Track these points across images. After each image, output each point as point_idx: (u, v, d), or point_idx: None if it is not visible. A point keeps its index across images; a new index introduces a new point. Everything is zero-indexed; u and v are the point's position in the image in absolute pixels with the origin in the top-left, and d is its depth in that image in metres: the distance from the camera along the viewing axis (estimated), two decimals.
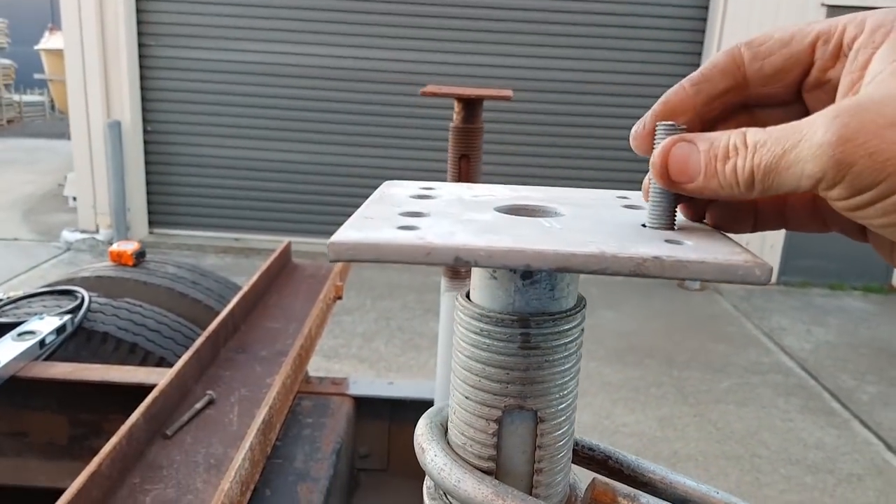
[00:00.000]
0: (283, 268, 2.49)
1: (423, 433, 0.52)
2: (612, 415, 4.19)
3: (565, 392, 0.48)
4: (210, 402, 1.59)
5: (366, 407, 1.80)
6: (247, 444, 1.28)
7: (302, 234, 6.95)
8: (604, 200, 0.54)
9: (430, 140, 7.06)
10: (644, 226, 0.45)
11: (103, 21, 6.67)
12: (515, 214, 0.47)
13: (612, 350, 5.12)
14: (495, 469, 0.49)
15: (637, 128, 0.49)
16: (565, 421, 0.49)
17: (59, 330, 1.93)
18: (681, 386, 4.64)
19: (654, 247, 0.39)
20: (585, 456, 0.57)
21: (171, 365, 1.63)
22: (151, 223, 7.30)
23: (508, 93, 1.70)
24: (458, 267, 0.34)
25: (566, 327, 0.47)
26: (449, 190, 0.55)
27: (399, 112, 7.08)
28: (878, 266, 7.09)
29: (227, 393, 1.65)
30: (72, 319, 1.99)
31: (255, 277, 2.20)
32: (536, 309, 0.46)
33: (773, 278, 6.98)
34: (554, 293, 0.46)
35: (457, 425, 0.50)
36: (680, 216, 0.49)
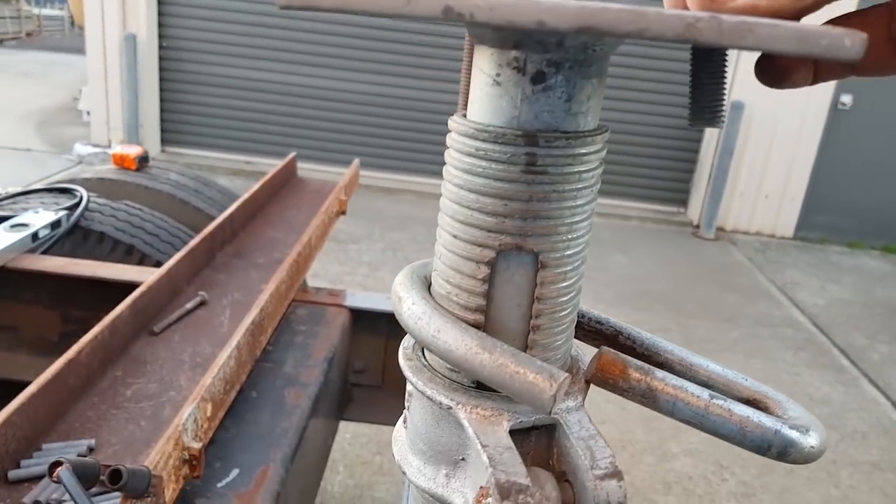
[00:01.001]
0: (287, 180, 2.40)
1: (401, 282, 0.43)
2: None
3: (575, 235, 0.40)
4: (202, 303, 1.53)
5: (363, 321, 1.74)
6: (234, 342, 1.21)
7: (315, 160, 6.84)
8: None
9: (443, 59, 6.85)
10: None
11: None
12: None
13: (622, 294, 5.05)
14: (484, 323, 0.41)
15: None
16: (572, 272, 0.41)
17: (54, 225, 1.86)
18: (688, 333, 4.57)
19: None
20: (592, 329, 0.49)
21: None
22: (164, 141, 7.20)
23: None
24: (447, 22, 0.25)
25: (583, 151, 0.38)
26: None
27: (415, 39, 6.87)
28: None
29: (220, 296, 1.59)
30: (67, 216, 1.92)
31: (256, 186, 2.12)
32: (547, 124, 0.37)
33: (790, 232, 6.85)
34: (570, 106, 0.37)
35: (442, 272, 0.42)
36: None
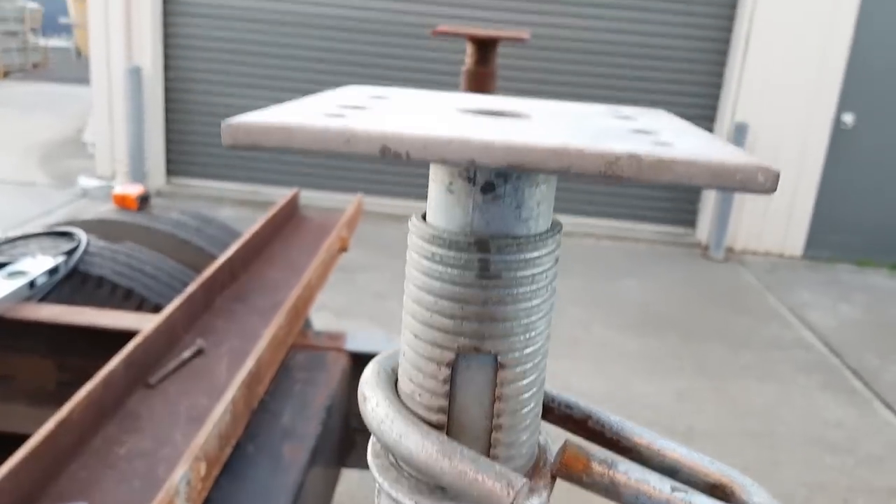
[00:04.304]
0: (289, 218, 2.42)
1: (367, 379, 0.44)
2: (628, 385, 4.11)
3: (532, 334, 0.40)
4: (199, 352, 1.53)
5: (364, 363, 1.72)
6: (228, 396, 1.21)
7: (322, 189, 6.88)
8: (596, 111, 0.45)
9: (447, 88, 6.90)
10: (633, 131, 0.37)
11: None
12: (479, 114, 0.38)
13: (632, 319, 5.03)
14: (447, 423, 0.41)
15: None
16: (532, 369, 0.41)
17: (52, 271, 1.88)
18: (700, 358, 4.54)
19: (633, 143, 0.30)
20: (562, 415, 0.49)
21: None
22: (169, 172, 7.24)
23: (525, 34, 1.60)
24: (386, 159, 0.25)
25: (534, 255, 0.38)
26: (417, 93, 0.47)
27: (415, 66, 6.93)
28: None
29: (219, 343, 1.59)
30: (65, 261, 1.93)
31: (258, 225, 2.14)
32: (499, 231, 0.38)
33: (799, 252, 6.81)
34: (520, 212, 0.38)
35: (406, 371, 0.42)
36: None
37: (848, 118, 6.57)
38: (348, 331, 1.78)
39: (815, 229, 6.84)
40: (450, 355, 0.40)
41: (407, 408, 0.42)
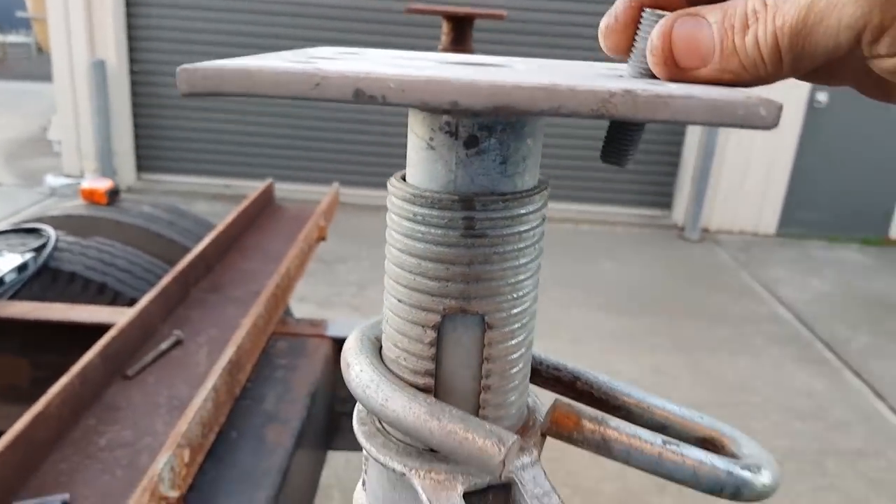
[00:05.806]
0: (263, 208, 2.39)
1: (350, 347, 0.43)
2: (606, 363, 4.13)
3: (520, 293, 0.39)
4: (177, 343, 1.51)
5: None
6: (210, 383, 1.20)
7: (297, 181, 6.82)
8: (585, 64, 0.44)
9: None
10: (622, 76, 0.36)
11: None
12: (461, 65, 0.37)
13: (610, 299, 5.06)
14: (434, 386, 0.40)
15: (609, 20, 0.39)
16: (520, 329, 0.40)
17: (21, 268, 1.84)
18: (676, 335, 4.58)
19: (626, 83, 0.29)
20: (550, 377, 0.49)
21: None
22: (140, 168, 7.13)
23: (502, 12, 1.59)
24: (360, 103, 0.24)
25: (521, 212, 0.38)
26: (394, 51, 0.46)
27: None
28: (875, 218, 6.99)
29: (196, 334, 1.57)
30: (34, 258, 1.90)
31: (231, 216, 2.11)
32: (483, 187, 0.37)
33: (772, 230, 6.90)
34: (506, 168, 0.37)
35: (390, 336, 0.41)
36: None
37: (822, 97, 6.64)
38: (329, 318, 1.76)
39: (788, 207, 6.92)
40: (435, 317, 0.39)
41: (393, 373, 0.41)
